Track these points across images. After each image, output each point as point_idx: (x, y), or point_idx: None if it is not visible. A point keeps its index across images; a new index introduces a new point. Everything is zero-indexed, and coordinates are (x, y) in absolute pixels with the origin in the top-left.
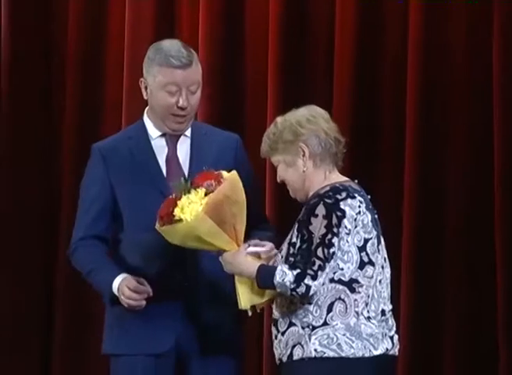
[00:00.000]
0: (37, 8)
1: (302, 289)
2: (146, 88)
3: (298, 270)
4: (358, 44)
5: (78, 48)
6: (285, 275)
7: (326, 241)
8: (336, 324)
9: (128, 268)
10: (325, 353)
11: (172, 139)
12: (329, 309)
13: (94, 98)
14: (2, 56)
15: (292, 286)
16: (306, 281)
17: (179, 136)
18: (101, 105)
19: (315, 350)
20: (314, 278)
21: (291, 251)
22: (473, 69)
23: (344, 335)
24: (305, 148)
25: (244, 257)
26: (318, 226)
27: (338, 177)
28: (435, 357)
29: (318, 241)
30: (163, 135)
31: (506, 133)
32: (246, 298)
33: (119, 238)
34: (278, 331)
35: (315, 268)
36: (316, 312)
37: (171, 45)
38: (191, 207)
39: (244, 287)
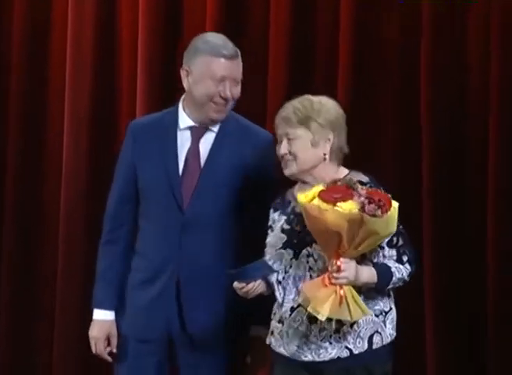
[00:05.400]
0: None
1: (410, 279)
2: (187, 77)
3: (408, 264)
4: (291, 44)
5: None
6: (401, 270)
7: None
8: (393, 308)
9: (137, 248)
10: (393, 336)
11: (196, 133)
12: (389, 294)
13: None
14: None
15: (408, 279)
16: (413, 271)
17: (205, 130)
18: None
19: (390, 335)
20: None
21: (382, 244)
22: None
23: (395, 318)
24: (332, 138)
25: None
26: None
27: (345, 170)
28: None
29: (401, 229)
30: (190, 128)
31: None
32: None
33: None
34: (342, 325)
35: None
36: (383, 298)
37: (218, 38)
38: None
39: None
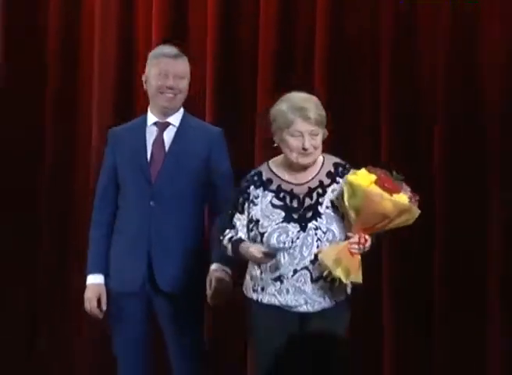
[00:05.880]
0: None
1: None
2: (146, 82)
3: None
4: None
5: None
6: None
7: None
8: None
9: (116, 227)
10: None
11: (161, 126)
12: None
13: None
14: None
15: None
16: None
17: (168, 125)
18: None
19: (350, 287)
20: None
21: None
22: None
23: None
24: None
25: None
26: None
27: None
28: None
29: None
30: (155, 123)
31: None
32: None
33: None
34: (334, 284)
35: None
36: None
37: (165, 46)
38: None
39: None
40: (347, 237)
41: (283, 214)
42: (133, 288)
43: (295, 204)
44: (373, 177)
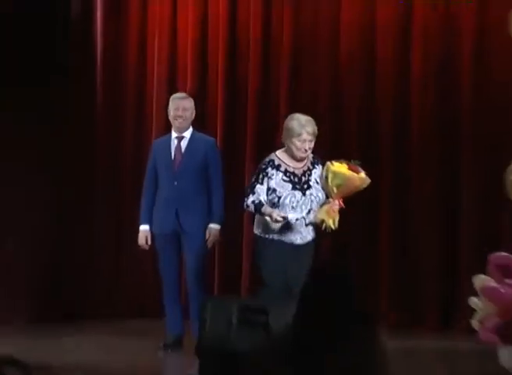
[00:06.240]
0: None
1: None
2: (168, 114)
3: None
4: None
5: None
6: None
7: None
8: None
9: (157, 196)
10: None
11: (179, 139)
12: None
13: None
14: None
15: None
16: None
17: (182, 137)
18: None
19: None
20: None
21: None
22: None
23: None
24: None
25: None
26: None
27: None
28: None
29: None
30: (176, 137)
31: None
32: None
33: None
34: (314, 226)
35: None
36: None
37: (179, 93)
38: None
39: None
40: (328, 202)
41: (291, 185)
42: (167, 231)
43: (296, 180)
44: (345, 165)
